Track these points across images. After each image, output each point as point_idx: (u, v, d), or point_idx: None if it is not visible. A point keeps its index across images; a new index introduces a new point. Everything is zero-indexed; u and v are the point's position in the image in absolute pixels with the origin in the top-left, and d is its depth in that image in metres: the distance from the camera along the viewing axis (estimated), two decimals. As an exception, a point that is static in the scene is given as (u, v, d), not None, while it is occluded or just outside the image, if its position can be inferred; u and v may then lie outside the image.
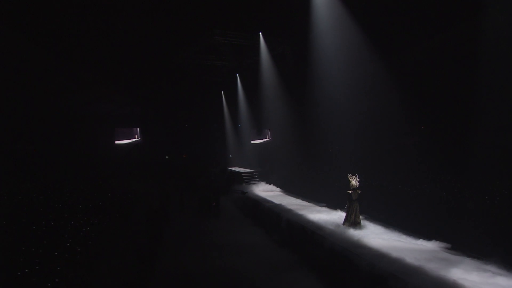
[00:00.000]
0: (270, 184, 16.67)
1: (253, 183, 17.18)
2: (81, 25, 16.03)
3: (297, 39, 16.18)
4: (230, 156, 24.91)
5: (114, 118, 24.73)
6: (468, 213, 6.86)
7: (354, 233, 7.69)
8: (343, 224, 8.31)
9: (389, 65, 11.65)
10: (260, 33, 17.06)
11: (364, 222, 8.55)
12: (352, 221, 8.20)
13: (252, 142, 23.98)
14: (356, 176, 8.51)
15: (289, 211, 10.75)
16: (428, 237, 6.95)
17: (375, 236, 7.48)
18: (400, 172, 10.00)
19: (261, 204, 12.60)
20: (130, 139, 26.73)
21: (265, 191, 15.72)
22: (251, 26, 16.66)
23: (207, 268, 7.63)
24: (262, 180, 17.75)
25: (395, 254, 6.12)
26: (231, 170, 20.96)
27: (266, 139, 24.43)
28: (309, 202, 12.35)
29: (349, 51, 12.25)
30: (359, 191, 8.34)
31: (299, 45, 16.07)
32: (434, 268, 5.41)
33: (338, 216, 9.36)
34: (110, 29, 16.82)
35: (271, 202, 12.64)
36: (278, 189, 15.93)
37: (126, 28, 16.88)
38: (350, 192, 8.36)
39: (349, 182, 8.46)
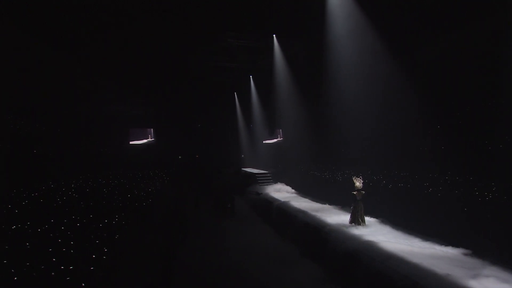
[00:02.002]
0: (283, 185, 16.75)
1: (267, 184, 17.31)
2: (98, 30, 16.47)
3: (311, 39, 16.19)
4: (243, 156, 25.11)
5: (129, 118, 25.25)
6: (488, 217, 6.76)
7: (362, 232, 8.06)
8: (349, 223, 8.77)
9: (404, 65, 11.54)
10: (274, 35, 17.16)
11: (376, 223, 8.87)
12: (357, 220, 8.66)
13: (264, 142, 24.14)
14: (360, 178, 9.00)
15: (302, 212, 10.85)
16: (447, 242, 6.88)
17: (390, 239, 7.49)
18: (415, 173, 9.92)
19: (274, 205, 12.73)
20: (144, 139, 27.25)
21: (279, 192, 15.81)
22: (264, 29, 16.76)
23: (222, 266, 8.09)
24: (276, 181, 17.85)
25: (411, 258, 6.16)
26: (245, 171, 21.13)
27: (278, 139, 24.54)
28: (322, 203, 12.36)
29: (363, 51, 12.24)
30: (363, 192, 8.82)
31: (313, 45, 16.08)
32: (452, 274, 5.36)
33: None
34: (125, 33, 17.20)
35: (284, 203, 12.75)
36: (292, 190, 15.99)
37: (140, 31, 17.22)
38: (354, 193, 8.83)
39: (354, 183, 8.97)
